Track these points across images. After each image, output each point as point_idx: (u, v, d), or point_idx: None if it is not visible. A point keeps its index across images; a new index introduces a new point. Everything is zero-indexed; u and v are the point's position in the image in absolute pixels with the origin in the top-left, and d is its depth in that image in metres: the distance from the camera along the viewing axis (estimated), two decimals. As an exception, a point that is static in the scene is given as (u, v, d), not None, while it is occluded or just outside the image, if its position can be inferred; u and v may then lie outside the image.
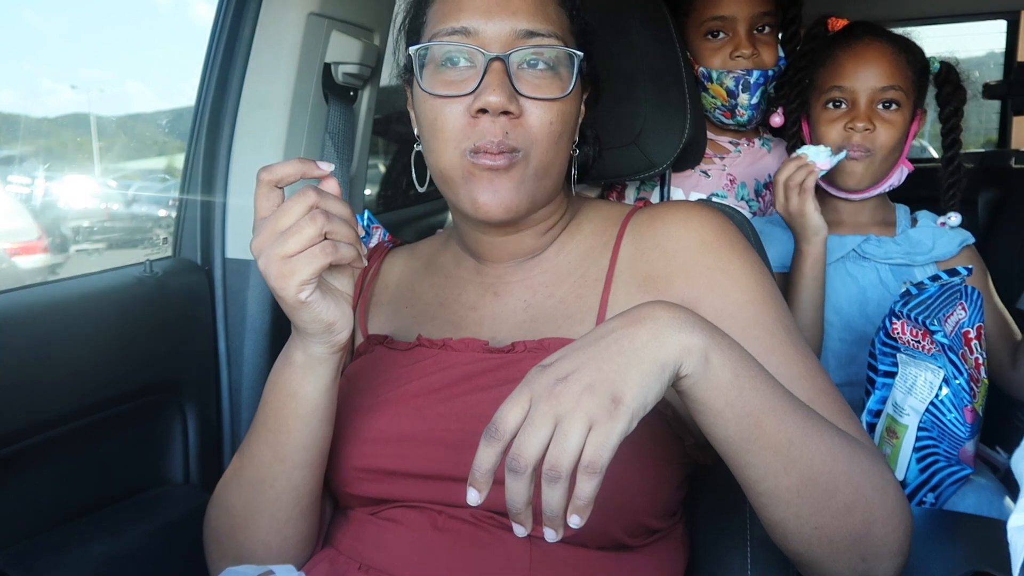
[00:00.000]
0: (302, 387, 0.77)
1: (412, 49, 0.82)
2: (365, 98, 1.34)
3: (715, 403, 0.61)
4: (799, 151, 1.26)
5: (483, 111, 0.77)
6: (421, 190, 0.91)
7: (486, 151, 0.78)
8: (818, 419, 0.67)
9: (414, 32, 0.86)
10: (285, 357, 0.78)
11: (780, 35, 1.47)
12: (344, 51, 1.23)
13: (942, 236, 1.35)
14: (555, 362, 0.60)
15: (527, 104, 0.79)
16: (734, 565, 0.82)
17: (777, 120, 1.43)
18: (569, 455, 0.55)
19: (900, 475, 1.09)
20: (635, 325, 0.60)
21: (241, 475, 0.82)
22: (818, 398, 0.76)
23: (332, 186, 0.73)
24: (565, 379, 0.58)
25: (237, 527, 0.83)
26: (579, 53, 0.82)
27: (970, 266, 1.11)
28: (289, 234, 0.67)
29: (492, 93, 0.76)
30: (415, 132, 0.89)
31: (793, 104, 1.40)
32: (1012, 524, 0.50)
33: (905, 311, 1.07)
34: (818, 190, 1.40)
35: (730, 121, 1.46)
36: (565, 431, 0.56)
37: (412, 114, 0.89)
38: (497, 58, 0.78)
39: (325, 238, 0.69)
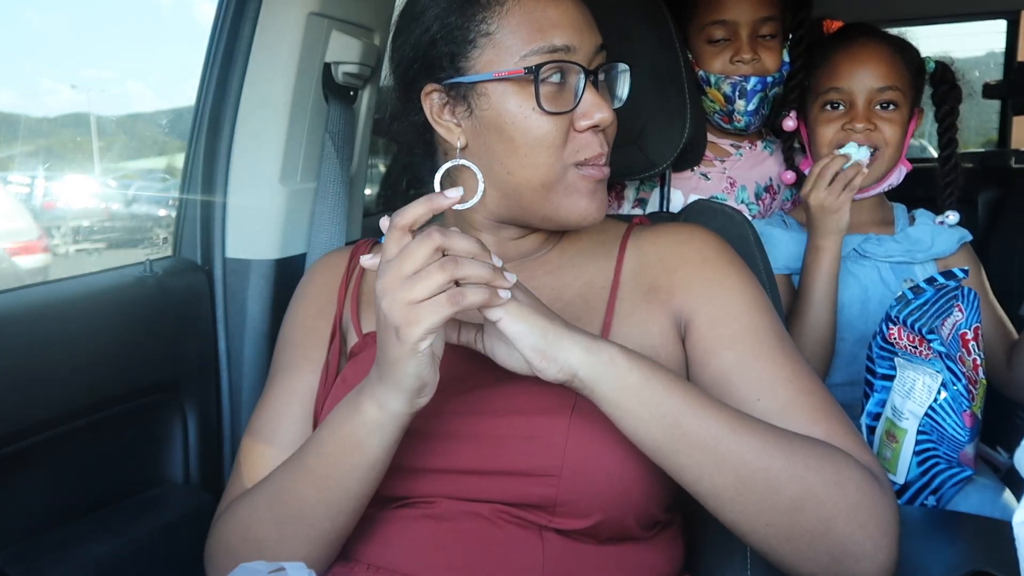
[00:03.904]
0: (369, 441, 0.73)
1: (530, 68, 0.78)
2: (365, 98, 1.34)
3: (628, 402, 0.69)
4: (842, 151, 1.25)
5: (593, 126, 0.81)
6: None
7: (595, 163, 0.82)
8: (751, 419, 0.72)
9: (465, 43, 0.81)
10: (354, 407, 0.73)
11: (789, 38, 1.45)
12: (344, 51, 1.23)
13: (941, 233, 1.35)
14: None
15: None
16: (735, 564, 0.82)
17: (790, 124, 1.40)
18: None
19: (901, 479, 1.08)
20: (570, 328, 0.70)
21: (276, 510, 0.79)
22: (799, 398, 0.78)
23: (454, 193, 0.70)
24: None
25: (266, 552, 0.80)
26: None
27: (966, 268, 1.11)
28: (417, 279, 0.64)
29: (605, 110, 0.80)
30: (457, 144, 0.83)
31: (793, 107, 1.40)
32: (1017, 519, 0.51)
33: (902, 317, 1.06)
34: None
35: (728, 126, 1.46)
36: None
37: (459, 127, 0.83)
38: (594, 73, 0.82)
39: (456, 284, 0.66)
